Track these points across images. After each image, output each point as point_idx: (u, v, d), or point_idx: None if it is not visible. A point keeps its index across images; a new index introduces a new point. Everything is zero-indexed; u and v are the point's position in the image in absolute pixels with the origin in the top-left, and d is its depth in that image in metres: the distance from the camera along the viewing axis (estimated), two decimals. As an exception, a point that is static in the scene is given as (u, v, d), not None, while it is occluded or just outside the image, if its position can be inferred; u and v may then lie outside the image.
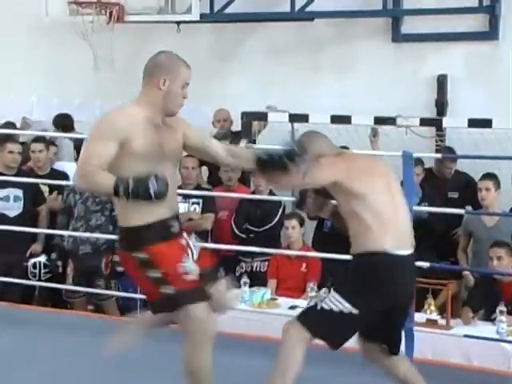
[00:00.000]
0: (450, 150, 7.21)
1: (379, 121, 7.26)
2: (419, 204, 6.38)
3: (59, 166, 7.59)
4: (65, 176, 7.24)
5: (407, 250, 3.75)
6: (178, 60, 3.76)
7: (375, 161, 4.26)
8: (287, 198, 7.19)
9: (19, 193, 6.87)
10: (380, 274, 3.71)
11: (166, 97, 3.64)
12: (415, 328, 5.06)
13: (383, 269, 3.70)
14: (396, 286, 3.73)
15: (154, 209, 3.59)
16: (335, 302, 3.71)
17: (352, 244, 3.82)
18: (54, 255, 6.77)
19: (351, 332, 3.85)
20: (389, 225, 3.71)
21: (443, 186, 7.18)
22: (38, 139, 7.43)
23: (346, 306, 3.70)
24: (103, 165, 3.50)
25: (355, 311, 3.70)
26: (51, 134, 8.15)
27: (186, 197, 6.92)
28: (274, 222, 6.95)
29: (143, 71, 3.74)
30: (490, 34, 7.73)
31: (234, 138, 7.79)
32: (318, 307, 3.75)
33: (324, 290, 3.84)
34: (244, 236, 6.96)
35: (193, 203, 6.99)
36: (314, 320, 3.78)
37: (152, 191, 3.47)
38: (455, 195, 7.11)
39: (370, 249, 3.71)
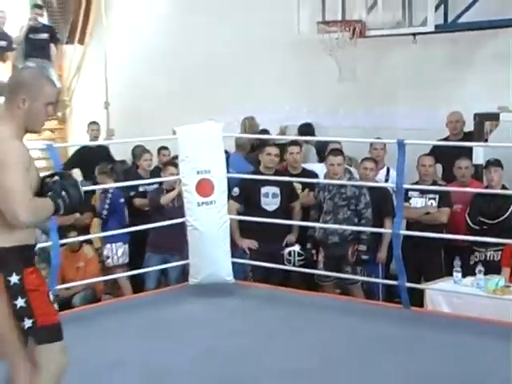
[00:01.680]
0: None
1: None
2: None
3: (308, 166, 7.68)
4: (315, 175, 7.36)
5: None
6: (40, 78, 3.29)
7: None
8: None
9: (276, 190, 6.99)
10: None
11: (26, 116, 3.18)
12: None
13: None
14: None
15: (25, 231, 3.15)
16: None
17: None
18: (309, 245, 6.87)
19: None
20: None
21: None
22: (295, 142, 7.54)
23: None
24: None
25: None
26: (299, 137, 8.30)
27: (423, 192, 6.84)
28: (506, 215, 6.67)
29: (6, 87, 3.29)
30: None
31: (467, 137, 7.61)
32: None
33: None
34: (478, 228, 6.74)
35: (429, 198, 6.87)
36: None
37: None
38: None
39: None
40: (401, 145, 5.64)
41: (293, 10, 8.34)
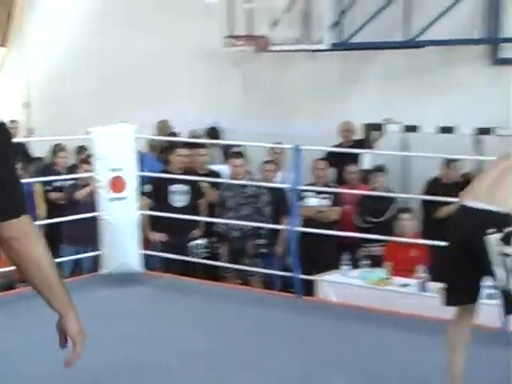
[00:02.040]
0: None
1: (480, 131, 7.04)
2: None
3: (214, 167, 7.67)
4: (219, 175, 7.34)
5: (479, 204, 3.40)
6: None
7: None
8: (401, 195, 7.08)
9: (185, 188, 6.97)
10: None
11: None
12: None
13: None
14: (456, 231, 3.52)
15: None
16: None
17: None
18: (214, 239, 6.85)
19: None
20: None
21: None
22: (202, 145, 7.53)
23: None
24: None
25: None
26: (207, 141, 8.27)
27: (317, 193, 6.91)
28: (389, 214, 6.83)
29: None
30: None
31: (357, 144, 7.74)
32: None
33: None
34: (365, 225, 6.87)
35: (323, 198, 6.95)
36: None
37: None
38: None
39: None
40: (296, 150, 5.68)
41: (202, 22, 8.30)
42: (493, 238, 3.27)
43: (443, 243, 5.56)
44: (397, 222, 6.57)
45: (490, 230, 3.27)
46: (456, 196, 6.42)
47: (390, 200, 6.89)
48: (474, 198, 3.42)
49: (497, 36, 7.65)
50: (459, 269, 3.56)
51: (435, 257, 6.32)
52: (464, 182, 7.02)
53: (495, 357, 3.92)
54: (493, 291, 5.18)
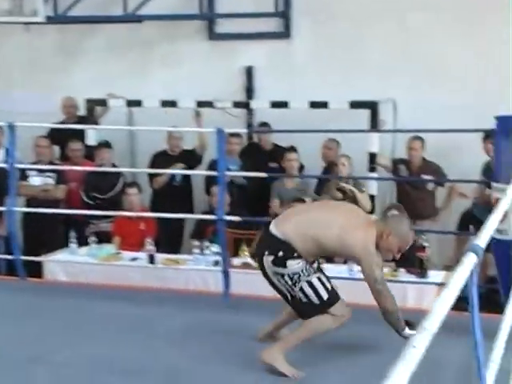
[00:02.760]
0: (267, 124, 7.24)
1: (200, 104, 7.19)
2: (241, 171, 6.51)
3: None
4: None
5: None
6: None
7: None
8: (127, 170, 7.04)
9: None
10: None
11: None
12: (233, 270, 5.05)
13: None
14: None
15: None
16: None
17: None
18: None
19: None
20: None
21: (264, 157, 7.19)
22: None
23: None
24: None
25: None
26: None
27: (41, 171, 6.62)
28: (116, 190, 6.75)
29: None
30: (285, 33, 7.77)
31: (81, 120, 7.50)
32: None
33: None
34: (92, 202, 6.73)
35: (47, 176, 6.69)
36: None
37: None
38: (275, 165, 7.11)
39: None
40: (10, 127, 5.34)
41: None
42: (267, 259, 3.63)
43: (169, 215, 5.72)
44: (124, 197, 6.52)
45: (266, 252, 3.64)
46: (177, 167, 6.62)
47: (117, 175, 6.81)
48: (273, 223, 3.74)
49: (212, 12, 7.84)
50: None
51: (162, 228, 6.41)
52: (187, 154, 7.16)
53: (219, 319, 4.02)
54: (218, 258, 5.41)
